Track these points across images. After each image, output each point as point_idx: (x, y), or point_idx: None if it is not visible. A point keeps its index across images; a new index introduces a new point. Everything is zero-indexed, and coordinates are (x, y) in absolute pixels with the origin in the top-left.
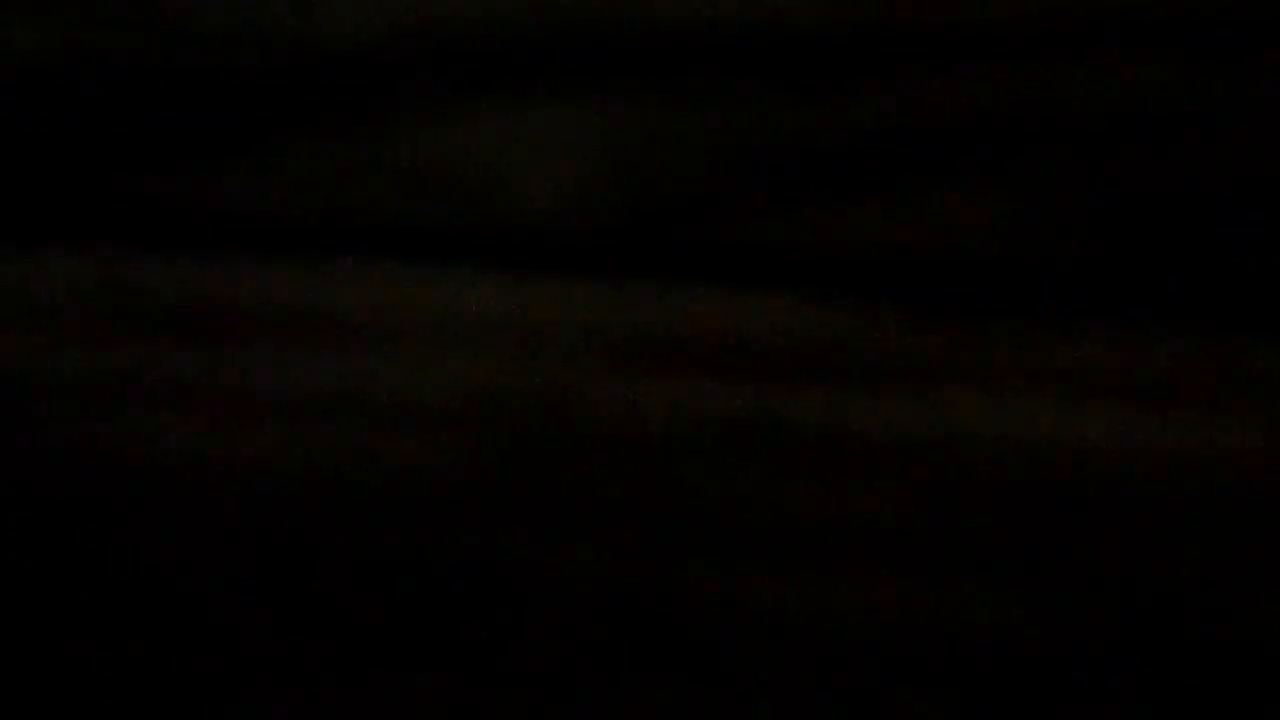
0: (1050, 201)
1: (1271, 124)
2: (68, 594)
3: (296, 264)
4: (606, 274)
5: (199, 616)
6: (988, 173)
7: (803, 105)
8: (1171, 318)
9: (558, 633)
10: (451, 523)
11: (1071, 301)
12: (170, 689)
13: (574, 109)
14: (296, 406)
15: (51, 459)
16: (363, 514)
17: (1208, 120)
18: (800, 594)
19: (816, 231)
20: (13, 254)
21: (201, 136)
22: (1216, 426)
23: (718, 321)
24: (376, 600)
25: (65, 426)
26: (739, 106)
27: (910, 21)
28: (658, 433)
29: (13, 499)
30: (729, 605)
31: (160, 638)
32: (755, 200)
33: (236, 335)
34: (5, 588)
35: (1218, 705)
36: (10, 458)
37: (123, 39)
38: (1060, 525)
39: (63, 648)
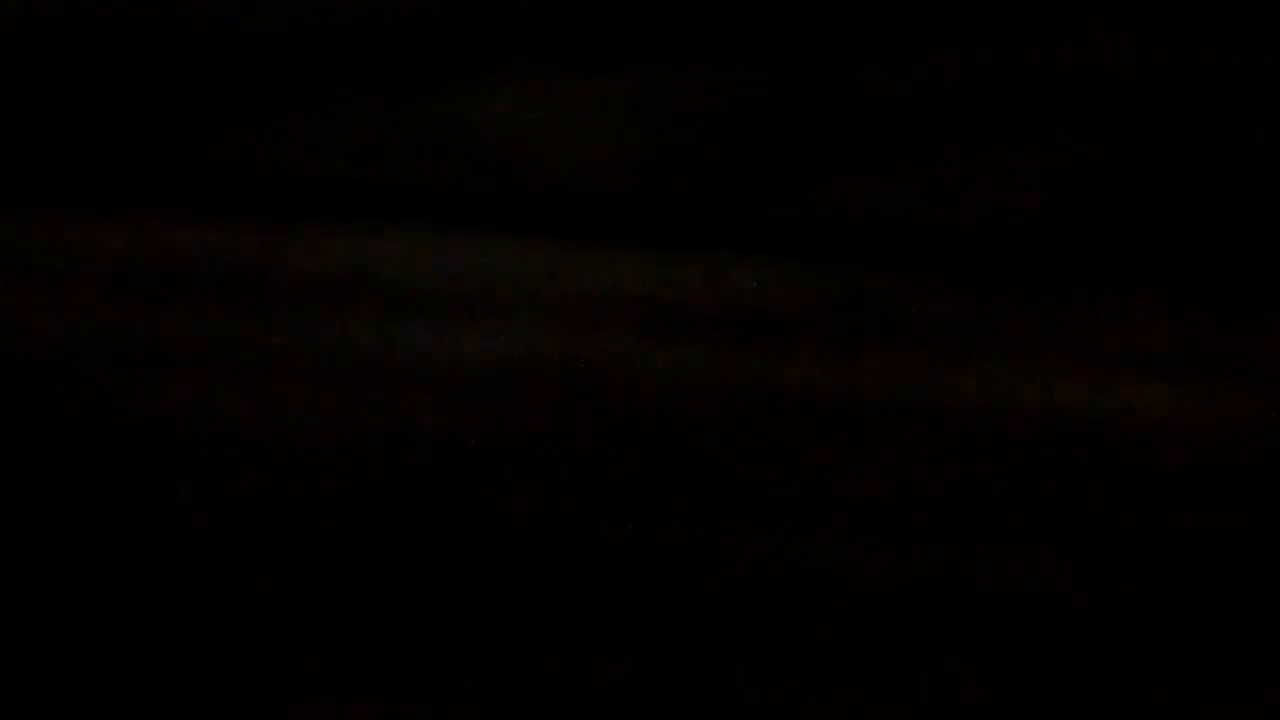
0: (1086, 173)
1: None
2: (105, 548)
3: (334, 229)
4: (638, 242)
5: (231, 572)
6: (1022, 144)
7: (834, 75)
8: (1208, 290)
9: (597, 599)
10: (487, 489)
11: (1108, 272)
12: (201, 644)
13: (602, 79)
14: (334, 370)
15: (91, 419)
16: (396, 477)
17: (1248, 95)
18: (841, 560)
19: (848, 200)
20: (56, 220)
21: (239, 104)
22: (1255, 396)
23: (750, 290)
24: (410, 563)
25: (105, 387)
26: (767, 76)
27: None
28: (695, 400)
29: (55, 457)
30: (769, 571)
31: (194, 594)
32: (785, 169)
33: (274, 300)
34: (47, 543)
35: (1254, 665)
36: (52, 418)
37: (164, 6)
38: (1100, 492)
39: (101, 601)
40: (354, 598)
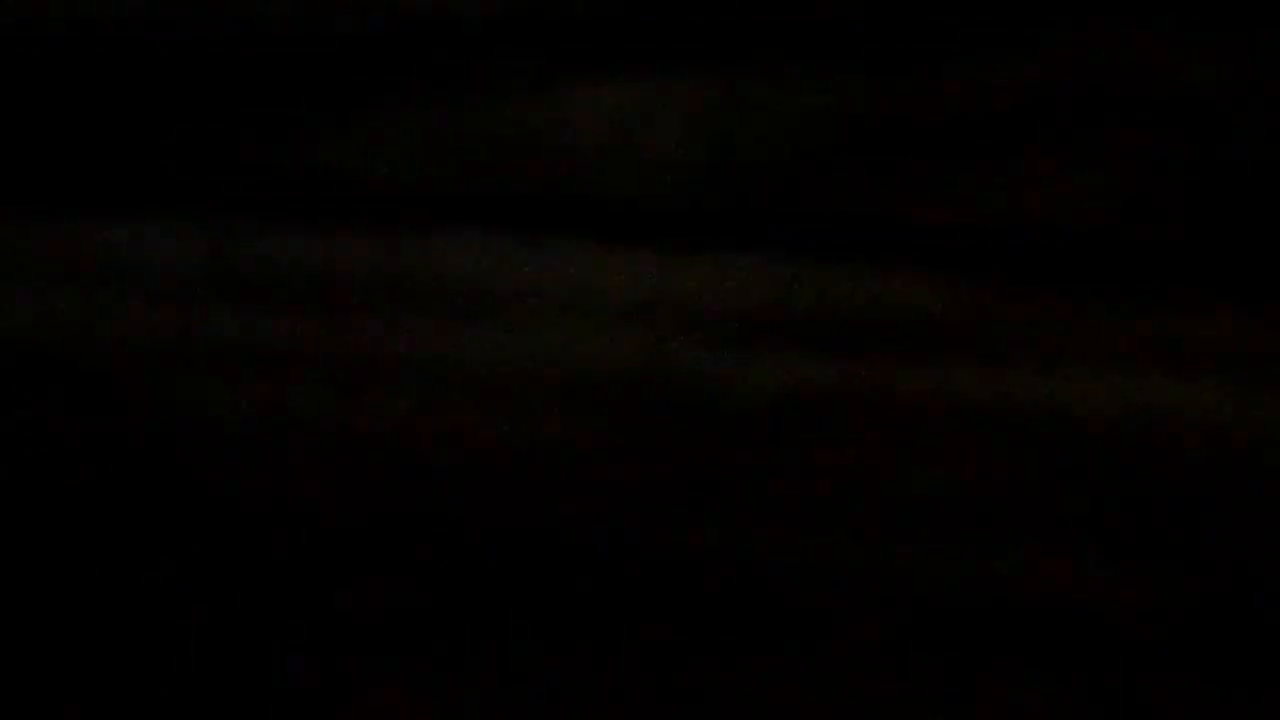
0: (1143, 177)
1: None
2: (168, 554)
3: (400, 234)
4: (705, 246)
5: (298, 577)
6: (1082, 147)
7: (900, 80)
8: (1240, 290)
9: (666, 605)
10: (553, 494)
11: (1170, 275)
12: (257, 648)
13: (671, 82)
14: (400, 376)
15: (158, 425)
16: (462, 483)
17: None
18: (900, 565)
19: (912, 205)
20: (127, 222)
21: (306, 107)
22: None
23: (815, 294)
24: (476, 571)
25: (172, 393)
26: (835, 81)
27: None
28: (763, 406)
29: (122, 463)
30: (831, 575)
31: (259, 598)
32: (850, 175)
33: (342, 305)
34: (111, 550)
35: None
36: (120, 422)
37: (237, 9)
38: (1154, 497)
39: (160, 605)
40: (416, 604)
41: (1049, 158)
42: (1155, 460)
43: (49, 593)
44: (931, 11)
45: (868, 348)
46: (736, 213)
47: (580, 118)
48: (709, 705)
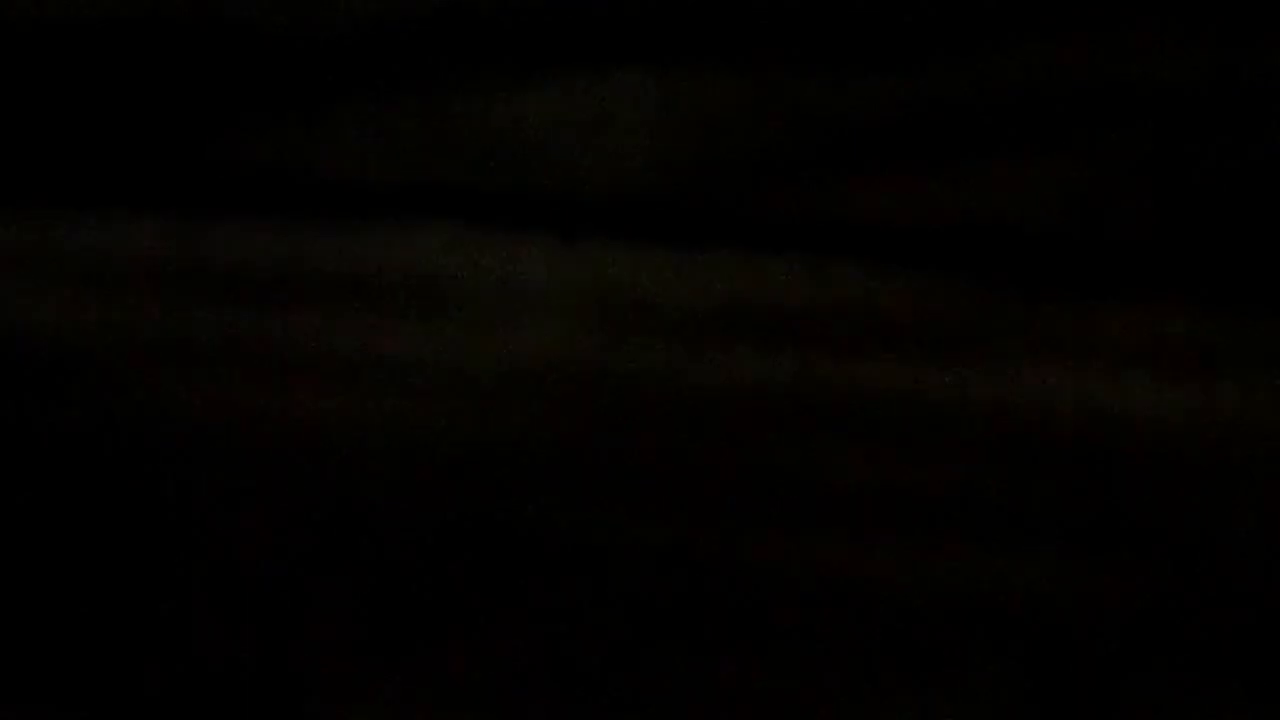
0: (1111, 175)
1: None
2: (128, 548)
3: (364, 229)
4: (670, 243)
5: (258, 574)
6: (1049, 146)
7: (866, 77)
8: (1236, 290)
9: (624, 603)
10: (512, 491)
11: (1134, 273)
12: (221, 644)
13: (639, 78)
14: (362, 372)
15: (123, 418)
16: (424, 479)
17: (1274, 96)
18: (870, 562)
19: (877, 202)
20: (93, 219)
21: (266, 103)
22: (1275, 396)
23: (782, 291)
24: (435, 567)
25: (138, 386)
26: (801, 78)
27: None
28: (723, 401)
29: (87, 454)
30: (796, 574)
31: (218, 593)
32: (816, 171)
33: (303, 300)
34: (70, 543)
35: None
36: (85, 415)
37: (200, 6)
38: (1130, 494)
39: (122, 601)
40: (377, 601)
41: (1015, 156)
42: (1126, 459)
43: (13, 584)
44: (896, 12)
45: (834, 346)
46: (700, 209)
47: (545, 116)
48: (675, 704)
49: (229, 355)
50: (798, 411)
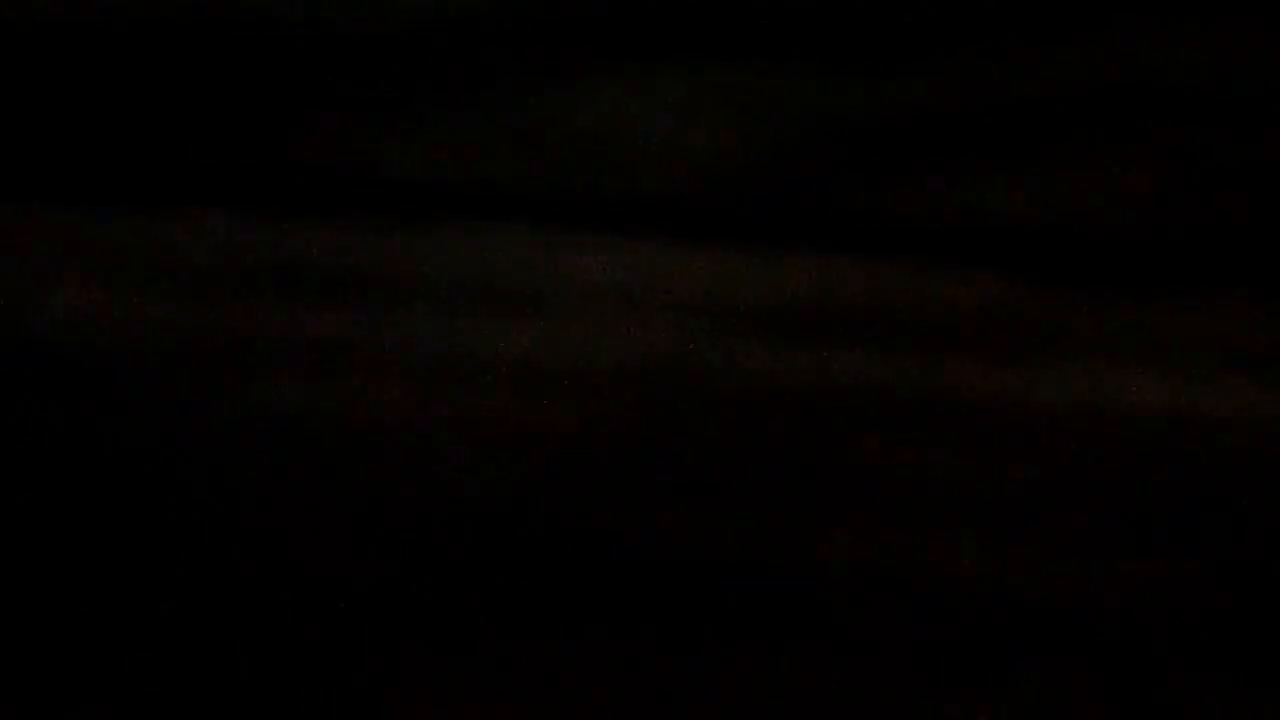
0: (1169, 172)
1: None
2: (202, 547)
3: (433, 231)
4: (737, 242)
5: (335, 571)
6: (1115, 146)
7: (930, 77)
8: None
9: (698, 601)
10: (587, 490)
11: (1191, 272)
12: (293, 641)
13: (699, 79)
14: (434, 372)
15: (191, 418)
16: (499, 478)
17: None
18: (933, 561)
19: (943, 201)
20: (173, 215)
21: (339, 106)
22: None
23: (849, 289)
24: (511, 566)
25: (206, 387)
26: (865, 77)
27: None
28: (795, 400)
29: (162, 450)
30: (863, 573)
31: (293, 591)
32: (881, 170)
33: (382, 300)
34: (148, 542)
35: None
36: (162, 412)
37: (276, 9)
38: (1188, 492)
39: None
40: (451, 600)
41: (1075, 156)
42: (1188, 458)
43: (54, 584)
44: (948, 9)
45: (901, 345)
46: (765, 207)
47: (612, 116)
48: (732, 696)
49: (305, 356)
50: (870, 411)
